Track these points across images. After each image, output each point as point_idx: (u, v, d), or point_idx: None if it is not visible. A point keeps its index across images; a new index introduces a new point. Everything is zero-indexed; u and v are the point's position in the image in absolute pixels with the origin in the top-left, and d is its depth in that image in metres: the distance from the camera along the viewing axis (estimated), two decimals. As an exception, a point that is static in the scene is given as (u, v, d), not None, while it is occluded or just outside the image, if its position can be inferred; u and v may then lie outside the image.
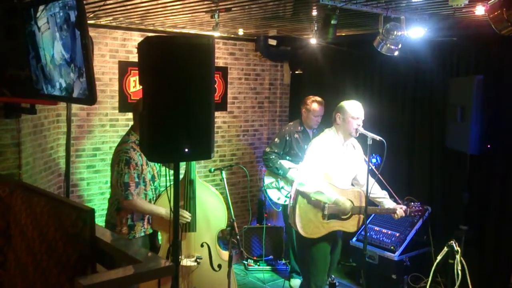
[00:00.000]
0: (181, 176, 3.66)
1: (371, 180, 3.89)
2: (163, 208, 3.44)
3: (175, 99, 2.21)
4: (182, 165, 3.63)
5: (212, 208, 3.71)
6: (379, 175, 3.93)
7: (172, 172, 2.55)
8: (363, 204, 3.84)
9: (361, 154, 4.03)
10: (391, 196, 4.04)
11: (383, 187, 4.05)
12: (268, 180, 5.18)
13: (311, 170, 3.73)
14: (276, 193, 5.13)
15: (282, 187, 5.09)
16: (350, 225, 3.87)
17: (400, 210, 3.84)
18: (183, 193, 3.59)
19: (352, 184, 4.01)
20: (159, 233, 3.72)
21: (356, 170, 3.98)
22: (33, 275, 2.25)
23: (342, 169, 3.86)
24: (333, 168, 3.80)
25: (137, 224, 3.50)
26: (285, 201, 5.07)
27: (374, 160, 4.85)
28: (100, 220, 5.28)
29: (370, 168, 3.90)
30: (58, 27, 2.66)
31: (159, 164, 3.61)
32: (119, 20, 5.07)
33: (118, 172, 3.34)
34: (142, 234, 3.54)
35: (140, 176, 3.42)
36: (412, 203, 3.99)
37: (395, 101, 5.58)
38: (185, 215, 3.55)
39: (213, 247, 3.69)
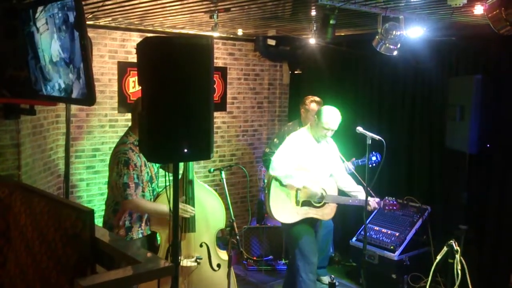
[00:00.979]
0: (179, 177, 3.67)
1: (348, 177, 4.17)
2: (165, 205, 3.42)
3: (174, 100, 2.21)
4: (180, 166, 3.63)
5: (210, 208, 3.71)
6: (354, 172, 4.14)
7: (170, 174, 2.55)
8: (336, 194, 4.05)
9: (335, 150, 4.19)
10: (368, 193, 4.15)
11: (358, 183, 4.21)
12: (268, 180, 5.18)
13: (283, 157, 3.90)
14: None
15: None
16: (324, 213, 4.04)
17: (373, 201, 3.98)
18: (182, 191, 3.59)
19: None
20: (157, 234, 3.72)
21: (332, 166, 4.10)
22: (33, 276, 2.25)
23: (317, 164, 3.99)
24: (308, 163, 3.94)
25: (135, 225, 3.49)
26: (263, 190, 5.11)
27: (374, 158, 4.86)
28: (99, 221, 5.27)
29: (368, 167, 3.94)
30: (57, 28, 2.66)
31: (157, 165, 3.61)
32: (118, 21, 5.07)
33: (117, 173, 3.33)
34: (140, 235, 3.53)
35: (139, 177, 3.41)
36: (386, 198, 4.08)
37: (394, 101, 5.59)
38: (189, 209, 3.54)
39: (212, 247, 3.69)
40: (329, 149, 4.13)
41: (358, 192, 4.10)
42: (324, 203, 4.00)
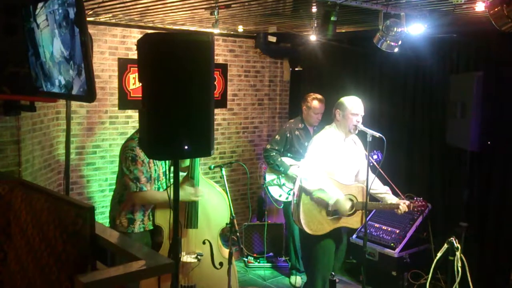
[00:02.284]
0: (184, 174, 3.68)
1: (372, 176, 3.88)
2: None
3: (174, 96, 2.21)
4: (187, 162, 3.65)
5: (214, 205, 3.70)
6: (380, 171, 3.92)
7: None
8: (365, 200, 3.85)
9: (362, 149, 4.04)
10: (393, 192, 4.03)
11: (385, 182, 4.04)
12: (269, 177, 5.18)
13: (314, 166, 3.74)
14: (278, 190, 5.13)
15: (284, 184, 5.09)
16: (354, 221, 3.88)
17: (403, 205, 3.80)
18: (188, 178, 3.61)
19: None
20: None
21: (358, 166, 3.98)
22: (33, 272, 2.25)
23: (344, 165, 3.86)
24: (335, 164, 3.80)
25: (137, 219, 3.52)
26: (287, 198, 5.08)
27: (375, 157, 4.85)
28: (100, 218, 5.29)
29: (371, 164, 3.90)
30: (57, 24, 2.65)
31: (167, 164, 3.62)
32: (119, 17, 5.06)
33: (127, 168, 3.40)
34: (142, 229, 3.55)
35: (148, 173, 3.45)
36: (415, 198, 3.98)
37: (395, 98, 5.57)
38: (199, 192, 3.57)
39: (215, 245, 3.69)
40: (356, 150, 3.98)
41: (386, 194, 3.95)
42: (355, 211, 3.83)
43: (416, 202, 3.90)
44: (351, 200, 3.83)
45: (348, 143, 3.91)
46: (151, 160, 3.46)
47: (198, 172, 3.62)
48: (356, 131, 3.83)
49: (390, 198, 3.92)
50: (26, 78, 3.15)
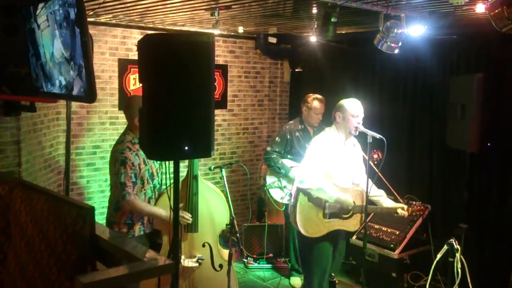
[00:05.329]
0: (184, 174, 3.67)
1: (370, 181, 3.89)
2: (163, 210, 3.42)
3: (175, 97, 2.21)
4: (185, 161, 3.64)
5: (214, 208, 3.69)
6: (379, 173, 3.91)
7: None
8: (365, 203, 3.84)
9: (360, 153, 4.04)
10: (392, 195, 4.03)
11: (381, 185, 4.04)
12: (270, 179, 5.18)
13: (312, 168, 3.73)
14: (279, 192, 5.13)
15: (285, 186, 5.09)
16: (351, 224, 3.86)
17: (402, 210, 3.81)
18: (186, 190, 3.59)
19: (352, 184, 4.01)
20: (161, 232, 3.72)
21: (357, 169, 3.98)
22: (33, 273, 2.25)
23: (343, 168, 3.85)
24: (334, 167, 3.79)
25: (136, 223, 3.50)
26: (288, 200, 5.08)
27: (376, 156, 4.85)
28: (100, 218, 5.28)
29: (370, 166, 3.89)
30: (57, 25, 2.65)
31: (158, 161, 3.61)
32: (119, 18, 5.07)
33: (116, 173, 3.36)
34: (142, 233, 3.54)
35: (138, 176, 3.41)
36: (414, 202, 3.98)
37: (395, 99, 5.58)
38: (186, 216, 3.55)
39: (214, 247, 3.68)
40: (355, 152, 3.97)
41: (381, 197, 3.95)
42: (352, 214, 3.82)
43: (415, 206, 3.90)
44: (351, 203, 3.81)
45: (347, 146, 3.91)
46: (142, 161, 3.44)
47: (197, 171, 3.62)
48: (357, 133, 3.83)
49: (385, 201, 3.93)
50: (26, 78, 3.15)
